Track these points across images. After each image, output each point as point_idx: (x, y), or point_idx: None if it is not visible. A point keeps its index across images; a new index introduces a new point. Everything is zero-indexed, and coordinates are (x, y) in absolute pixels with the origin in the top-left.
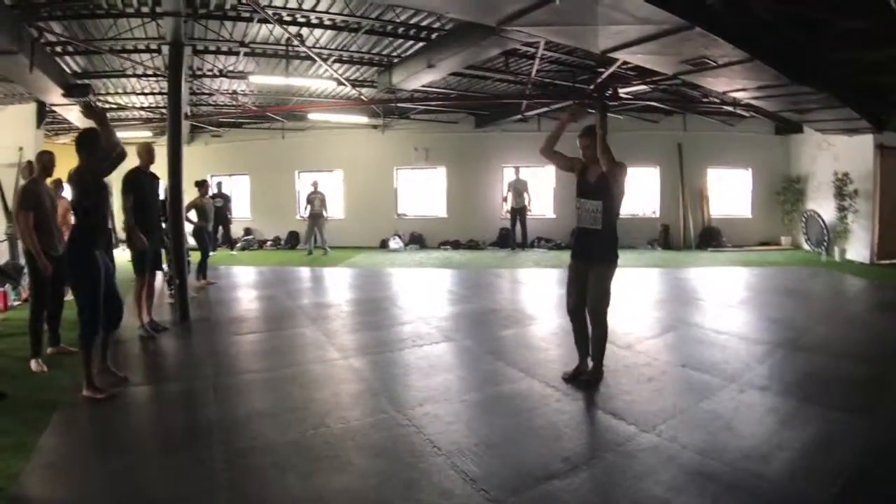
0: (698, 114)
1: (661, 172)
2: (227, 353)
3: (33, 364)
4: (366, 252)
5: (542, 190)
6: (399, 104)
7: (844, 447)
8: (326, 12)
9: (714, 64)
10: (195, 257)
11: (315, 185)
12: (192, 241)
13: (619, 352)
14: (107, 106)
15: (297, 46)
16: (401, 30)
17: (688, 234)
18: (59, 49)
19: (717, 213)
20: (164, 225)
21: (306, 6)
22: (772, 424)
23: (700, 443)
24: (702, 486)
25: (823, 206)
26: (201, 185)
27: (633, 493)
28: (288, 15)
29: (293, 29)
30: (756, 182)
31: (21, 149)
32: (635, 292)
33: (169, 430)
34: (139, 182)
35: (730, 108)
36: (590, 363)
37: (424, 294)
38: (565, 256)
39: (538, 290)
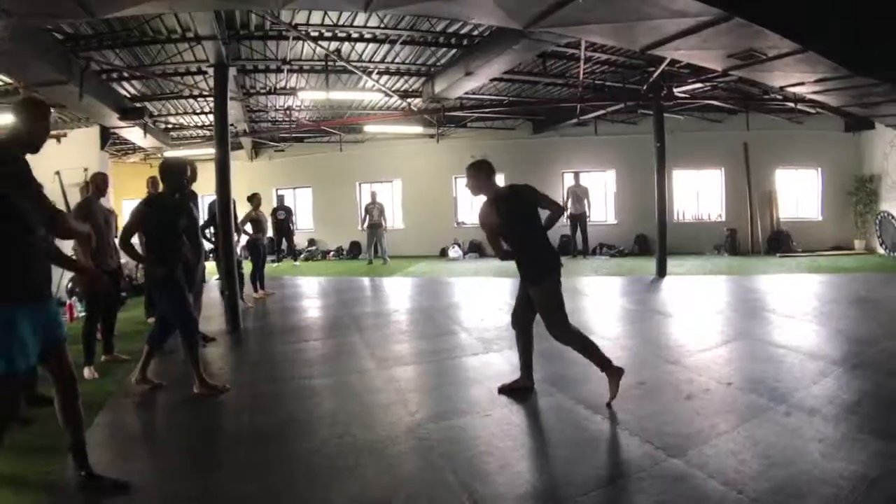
0: (762, 112)
1: (726, 174)
2: (269, 362)
3: (86, 371)
4: (425, 261)
5: (604, 195)
6: (451, 112)
7: (892, 483)
8: (364, 26)
9: (763, 57)
10: (246, 267)
11: (373, 195)
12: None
13: (665, 367)
14: (168, 126)
15: (338, 61)
16: (441, 39)
17: (756, 239)
18: (114, 76)
19: (786, 216)
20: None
21: (342, 22)
22: (814, 454)
23: (730, 472)
24: None
25: None
26: (253, 198)
27: None
28: (328, 31)
29: (332, 45)
30: (826, 182)
31: (86, 169)
32: (696, 302)
33: (197, 435)
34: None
35: (794, 105)
36: (530, 379)
37: (475, 304)
38: (628, 264)
39: (592, 300)
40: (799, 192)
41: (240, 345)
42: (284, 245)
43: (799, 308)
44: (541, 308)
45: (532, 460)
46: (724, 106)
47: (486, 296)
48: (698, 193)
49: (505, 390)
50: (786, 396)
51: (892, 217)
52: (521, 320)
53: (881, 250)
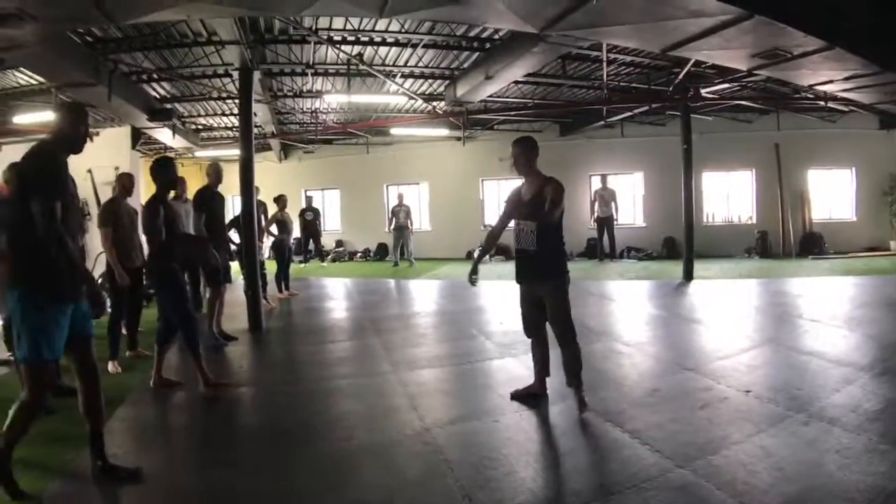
0: (794, 111)
1: (757, 175)
2: (286, 363)
3: (110, 366)
4: (451, 264)
5: (631, 198)
6: (476, 115)
7: None
8: (386, 31)
9: (789, 55)
10: (270, 267)
11: (400, 197)
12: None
13: (683, 374)
14: (197, 126)
15: (360, 65)
16: (463, 42)
17: (787, 241)
18: (143, 77)
19: (819, 217)
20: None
21: (363, 27)
22: (830, 466)
23: (739, 485)
24: None
25: None
26: (279, 199)
27: None
28: (350, 35)
29: (355, 49)
30: (860, 182)
31: (117, 168)
32: (720, 307)
33: (211, 432)
34: (208, 200)
35: (825, 104)
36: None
37: (496, 308)
38: (655, 267)
39: (615, 304)
40: (832, 193)
41: (260, 344)
42: (312, 246)
43: (827, 312)
44: (556, 306)
45: (537, 468)
46: (755, 106)
47: (508, 300)
48: (728, 195)
49: (517, 396)
50: (806, 405)
51: None
52: (535, 325)
53: None
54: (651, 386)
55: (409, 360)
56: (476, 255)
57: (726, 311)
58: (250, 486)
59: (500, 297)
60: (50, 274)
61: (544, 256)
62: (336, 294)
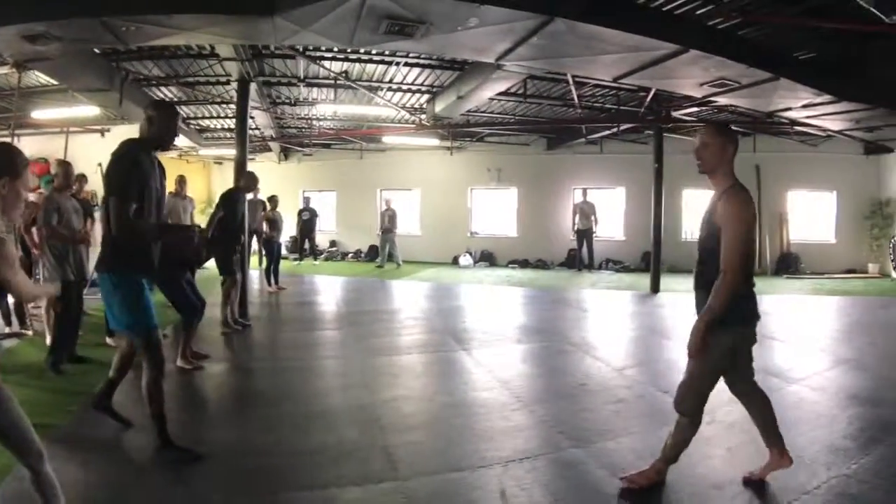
0: (773, 135)
1: None
2: (265, 346)
3: (109, 340)
4: (436, 268)
5: (612, 211)
6: (461, 128)
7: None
8: (368, 52)
9: (738, 84)
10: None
11: (388, 202)
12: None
13: (613, 373)
14: (200, 127)
15: (346, 80)
16: (443, 63)
17: (763, 260)
18: (153, 83)
19: (798, 237)
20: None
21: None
22: (714, 461)
23: (623, 465)
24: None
25: None
26: (270, 200)
27: (519, 495)
28: (339, 54)
29: (342, 65)
30: (841, 205)
31: None
32: (676, 318)
33: (194, 396)
34: (232, 201)
35: (791, 128)
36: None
37: (467, 309)
38: (629, 279)
39: (578, 311)
40: (813, 215)
41: (246, 331)
42: (307, 245)
43: (782, 328)
44: None
45: (453, 437)
46: (735, 129)
47: (480, 303)
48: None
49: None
50: (716, 408)
51: None
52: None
53: (895, 275)
54: (579, 381)
55: (372, 349)
56: None
57: (680, 321)
58: (219, 437)
59: (471, 300)
60: (133, 256)
61: (700, 298)
62: (322, 290)
